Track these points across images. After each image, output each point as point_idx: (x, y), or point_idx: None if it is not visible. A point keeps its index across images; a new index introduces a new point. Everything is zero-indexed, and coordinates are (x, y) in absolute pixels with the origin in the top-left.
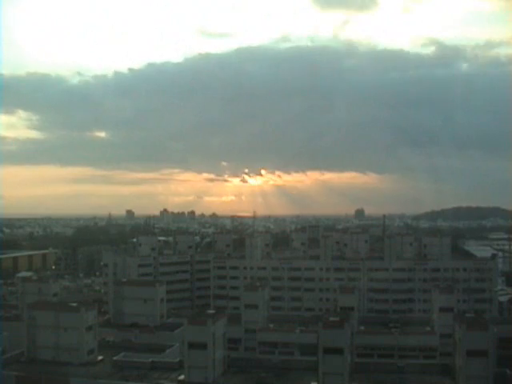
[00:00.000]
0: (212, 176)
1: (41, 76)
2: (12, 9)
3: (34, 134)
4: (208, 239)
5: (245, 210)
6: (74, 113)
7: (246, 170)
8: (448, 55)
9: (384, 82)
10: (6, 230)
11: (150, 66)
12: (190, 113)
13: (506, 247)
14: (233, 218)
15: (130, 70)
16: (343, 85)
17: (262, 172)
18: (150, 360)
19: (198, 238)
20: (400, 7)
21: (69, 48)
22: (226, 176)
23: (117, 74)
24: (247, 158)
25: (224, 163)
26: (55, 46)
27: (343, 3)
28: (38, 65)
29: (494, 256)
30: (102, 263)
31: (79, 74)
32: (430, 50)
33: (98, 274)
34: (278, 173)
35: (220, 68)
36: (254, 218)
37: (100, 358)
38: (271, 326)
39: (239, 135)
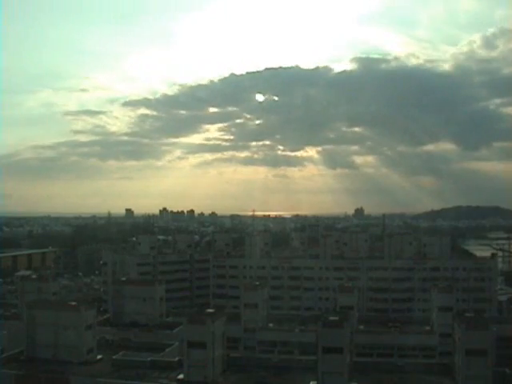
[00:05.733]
0: None
1: None
2: None
3: None
4: (207, 238)
5: None
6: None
7: None
8: None
9: None
10: (6, 229)
11: None
12: None
13: (506, 247)
14: (232, 217)
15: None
16: None
17: None
18: (150, 359)
19: (197, 237)
20: None
21: None
22: None
23: None
24: None
25: None
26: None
27: None
28: None
29: (493, 255)
30: (101, 262)
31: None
32: None
33: (97, 272)
34: None
35: None
36: (254, 216)
37: (99, 356)
38: (271, 325)
39: None
